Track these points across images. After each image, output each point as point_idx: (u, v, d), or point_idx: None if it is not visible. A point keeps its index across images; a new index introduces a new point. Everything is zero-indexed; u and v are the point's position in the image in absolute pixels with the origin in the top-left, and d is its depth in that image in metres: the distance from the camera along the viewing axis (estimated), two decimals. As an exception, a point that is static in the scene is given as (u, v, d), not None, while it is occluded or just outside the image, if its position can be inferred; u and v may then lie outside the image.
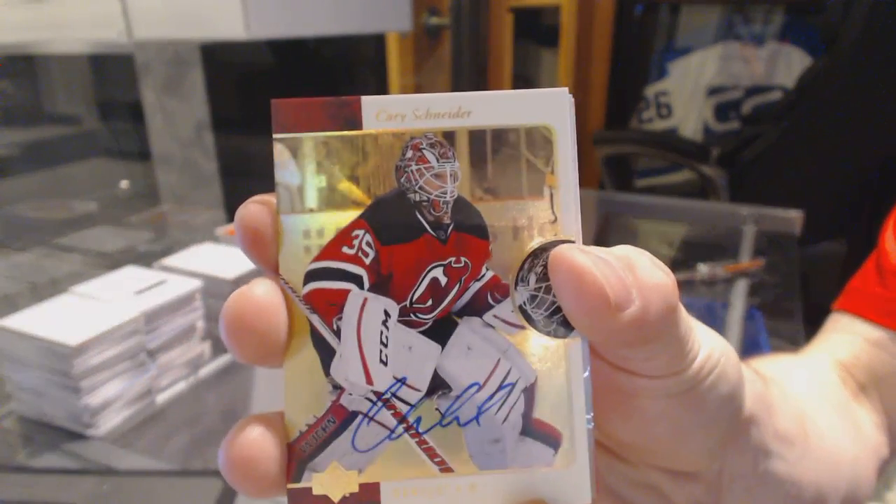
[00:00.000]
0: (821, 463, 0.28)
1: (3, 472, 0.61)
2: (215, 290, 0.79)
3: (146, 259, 0.86)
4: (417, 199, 0.17)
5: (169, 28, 0.89)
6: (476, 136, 0.17)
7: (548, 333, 0.18)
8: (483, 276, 0.18)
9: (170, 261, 0.84)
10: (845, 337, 0.40)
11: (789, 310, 0.91)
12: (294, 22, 0.92)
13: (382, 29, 1.26)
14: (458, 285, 0.18)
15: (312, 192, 0.17)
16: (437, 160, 0.17)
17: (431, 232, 0.17)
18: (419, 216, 0.17)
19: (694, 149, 1.65)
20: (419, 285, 0.17)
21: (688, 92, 1.76)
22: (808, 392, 0.32)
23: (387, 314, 0.17)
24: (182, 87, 1.25)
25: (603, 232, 1.26)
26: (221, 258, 0.85)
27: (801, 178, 1.49)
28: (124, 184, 1.51)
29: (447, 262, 0.17)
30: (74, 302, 0.71)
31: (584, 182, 1.67)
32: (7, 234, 1.28)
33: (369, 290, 0.17)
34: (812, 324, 0.46)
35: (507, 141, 0.17)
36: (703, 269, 0.99)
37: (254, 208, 0.17)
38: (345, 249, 0.17)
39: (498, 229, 0.17)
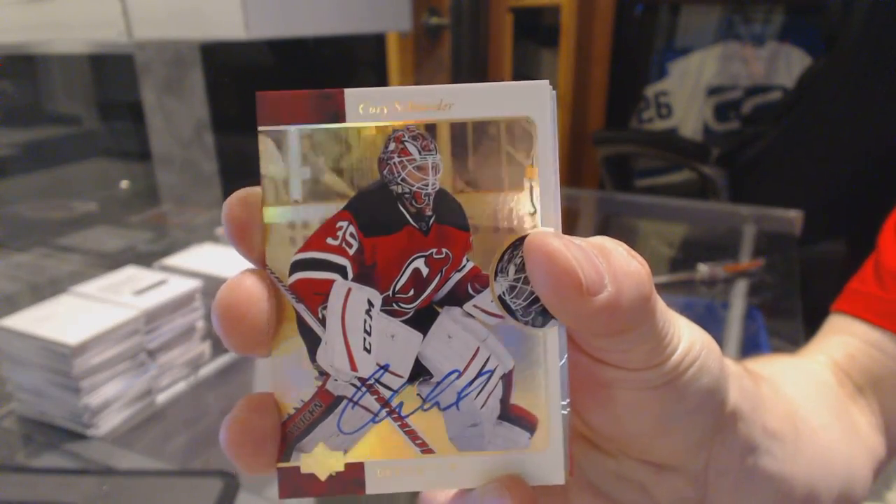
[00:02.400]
0: (813, 461, 0.28)
1: (3, 472, 0.61)
2: (215, 290, 0.79)
3: (146, 259, 0.86)
4: (400, 191, 0.18)
5: (169, 28, 0.89)
6: (457, 129, 0.18)
7: (526, 323, 0.18)
8: (464, 266, 0.18)
9: (170, 261, 0.84)
10: (843, 338, 0.40)
11: (789, 310, 0.91)
12: (294, 22, 0.92)
13: (382, 29, 1.26)
14: (439, 276, 0.18)
15: (297, 184, 0.18)
16: (419, 153, 0.18)
17: (413, 224, 0.18)
18: (401, 208, 0.18)
19: (694, 149, 1.65)
20: (401, 276, 0.18)
21: (688, 92, 1.76)
22: (802, 392, 0.32)
23: (370, 303, 0.18)
24: (182, 87, 1.25)
25: (603, 232, 1.26)
26: (221, 258, 0.85)
27: (801, 178, 1.49)
28: (124, 184, 1.51)
29: (429, 253, 0.18)
30: (74, 302, 0.71)
31: (584, 182, 1.66)
32: (7, 234, 1.28)
33: (353, 280, 0.18)
34: (812, 324, 0.46)
35: (488, 134, 0.18)
36: (703, 269, 0.99)
37: (240, 201, 0.18)
38: (329, 240, 0.18)
39: (478, 221, 0.18)
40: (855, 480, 0.32)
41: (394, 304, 0.18)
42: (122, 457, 0.63)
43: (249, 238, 0.18)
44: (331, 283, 0.18)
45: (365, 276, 0.18)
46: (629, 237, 1.32)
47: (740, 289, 0.96)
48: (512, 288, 0.18)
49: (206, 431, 0.71)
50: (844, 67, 1.43)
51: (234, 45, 1.14)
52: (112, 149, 1.53)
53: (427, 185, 0.18)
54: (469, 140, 0.18)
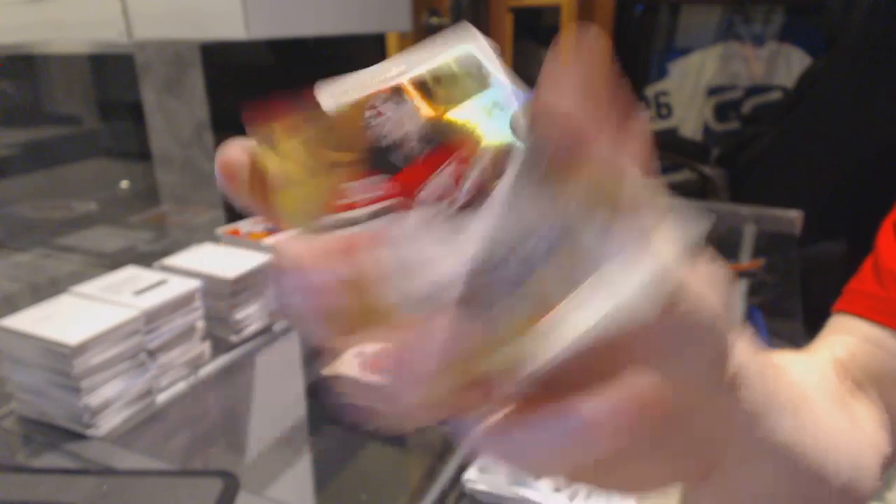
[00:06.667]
0: (819, 441, 0.27)
1: (3, 472, 0.61)
2: (215, 290, 0.79)
3: (146, 259, 0.86)
4: (389, 142, 0.20)
5: (169, 28, 0.89)
6: (418, 80, 0.20)
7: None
8: (477, 162, 0.19)
9: (170, 261, 0.84)
10: (843, 337, 0.40)
11: (789, 310, 0.91)
12: (294, 22, 0.92)
13: (382, 29, 1.26)
14: (461, 180, 0.19)
15: (296, 168, 0.19)
16: (394, 108, 0.20)
17: (412, 161, 0.19)
18: (398, 153, 0.19)
19: (694, 149, 1.65)
20: (427, 194, 0.19)
21: (688, 92, 1.76)
22: (805, 381, 0.32)
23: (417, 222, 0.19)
24: (182, 87, 1.25)
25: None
26: (221, 258, 0.85)
27: (801, 178, 1.49)
28: (124, 184, 1.51)
29: (440, 169, 0.19)
30: (74, 302, 0.71)
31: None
32: (7, 234, 1.28)
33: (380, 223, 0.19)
34: (812, 324, 0.45)
35: (444, 71, 0.20)
36: (703, 269, 0.99)
37: (232, 150, 0.20)
38: (343, 202, 0.19)
39: (466, 125, 0.20)
40: (862, 470, 0.31)
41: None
42: (122, 457, 0.63)
43: (237, 182, 0.19)
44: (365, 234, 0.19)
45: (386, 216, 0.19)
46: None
47: (740, 289, 0.96)
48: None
49: (206, 431, 0.71)
50: (844, 67, 1.43)
51: (234, 44, 1.14)
52: (112, 149, 1.53)
53: (411, 130, 0.20)
54: (430, 83, 0.20)
